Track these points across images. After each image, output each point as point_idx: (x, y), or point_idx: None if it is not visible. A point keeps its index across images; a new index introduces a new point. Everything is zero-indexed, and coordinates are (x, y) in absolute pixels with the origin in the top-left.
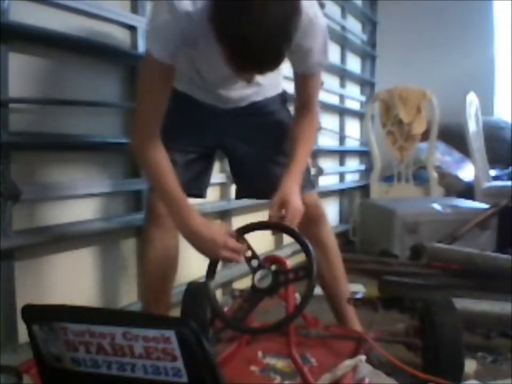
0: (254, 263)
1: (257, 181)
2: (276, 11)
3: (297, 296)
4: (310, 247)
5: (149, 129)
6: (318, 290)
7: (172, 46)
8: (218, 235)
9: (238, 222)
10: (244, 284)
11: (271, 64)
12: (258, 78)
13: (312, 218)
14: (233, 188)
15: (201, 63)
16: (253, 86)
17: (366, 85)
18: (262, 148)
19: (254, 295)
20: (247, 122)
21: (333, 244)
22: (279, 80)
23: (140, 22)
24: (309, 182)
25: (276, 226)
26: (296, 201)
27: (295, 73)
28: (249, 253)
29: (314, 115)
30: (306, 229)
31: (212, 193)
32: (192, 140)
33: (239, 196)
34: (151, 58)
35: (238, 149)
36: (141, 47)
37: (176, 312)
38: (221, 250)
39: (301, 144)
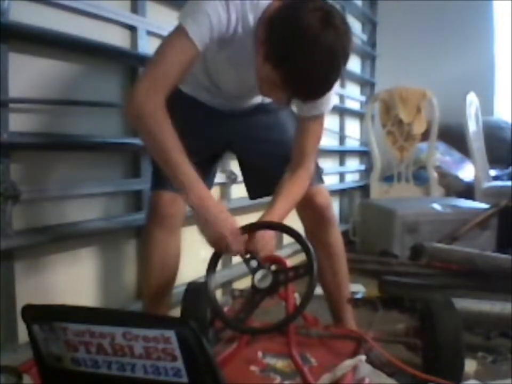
0: (254, 263)
1: (267, 178)
2: (336, 45)
3: (297, 296)
4: (310, 246)
5: (158, 88)
6: (318, 290)
7: (211, 36)
8: (232, 220)
9: (239, 222)
10: (244, 284)
11: (321, 95)
12: None
13: (321, 220)
14: (233, 188)
15: (222, 70)
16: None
17: (366, 85)
18: (268, 145)
19: (254, 295)
20: (252, 121)
21: (340, 248)
22: None
23: (140, 22)
24: (318, 177)
25: (276, 226)
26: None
27: (299, 116)
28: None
29: (305, 176)
30: (315, 231)
31: (212, 193)
32: (199, 142)
33: (252, 196)
34: (184, 35)
35: (245, 148)
36: (141, 47)
37: (176, 312)
38: (229, 235)
39: (282, 198)
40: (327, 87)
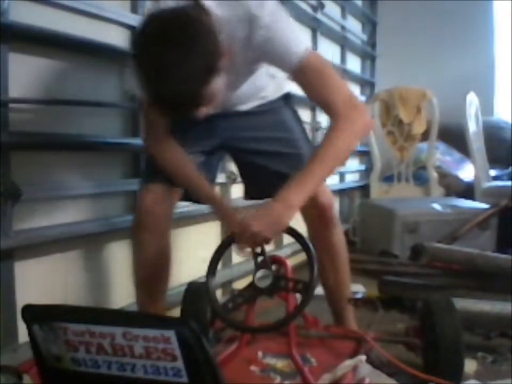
0: (259, 259)
1: (262, 180)
2: (177, 66)
3: (298, 296)
4: (313, 253)
5: (154, 136)
6: (318, 291)
7: None
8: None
9: None
10: (243, 284)
11: (184, 108)
12: (265, 91)
13: (323, 219)
14: (233, 188)
15: None
16: (259, 99)
17: (366, 85)
18: (265, 146)
19: (252, 292)
20: (249, 121)
21: (342, 249)
22: (282, 83)
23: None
24: None
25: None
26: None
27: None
28: (259, 249)
29: (343, 126)
30: (317, 230)
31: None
32: (198, 143)
33: (247, 196)
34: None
35: (242, 149)
36: None
37: (176, 312)
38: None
39: (310, 162)
40: (178, 102)
